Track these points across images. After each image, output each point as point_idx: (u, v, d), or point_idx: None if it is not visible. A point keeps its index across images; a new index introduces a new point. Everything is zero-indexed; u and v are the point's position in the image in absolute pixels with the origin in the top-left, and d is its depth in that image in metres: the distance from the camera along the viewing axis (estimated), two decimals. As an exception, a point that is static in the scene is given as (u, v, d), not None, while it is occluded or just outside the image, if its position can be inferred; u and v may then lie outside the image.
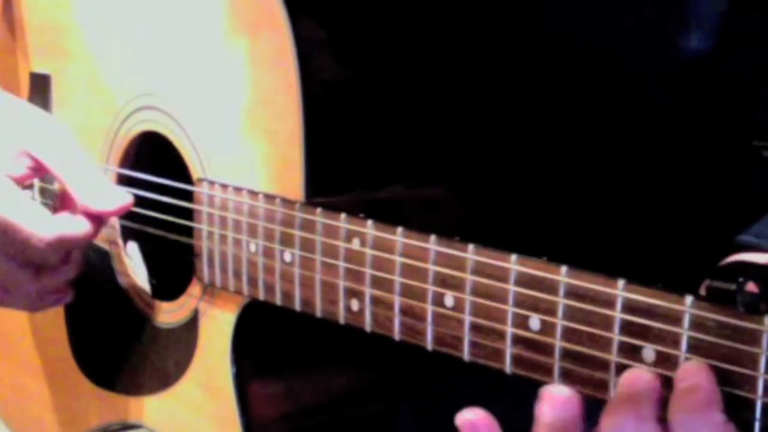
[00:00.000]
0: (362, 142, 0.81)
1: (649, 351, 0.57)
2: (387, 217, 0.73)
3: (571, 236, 0.81)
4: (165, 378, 0.96)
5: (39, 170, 0.94)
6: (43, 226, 0.88)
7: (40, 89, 1.06)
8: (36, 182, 1.08)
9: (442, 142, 0.82)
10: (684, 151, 0.76)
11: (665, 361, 0.56)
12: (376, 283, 0.73)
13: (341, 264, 0.75)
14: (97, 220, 0.92)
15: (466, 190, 0.82)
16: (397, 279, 0.71)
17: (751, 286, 0.46)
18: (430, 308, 0.69)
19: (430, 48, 0.82)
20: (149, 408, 0.99)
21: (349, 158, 0.80)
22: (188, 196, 0.89)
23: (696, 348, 0.55)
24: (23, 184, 0.93)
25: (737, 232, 0.70)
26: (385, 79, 0.82)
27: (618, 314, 0.58)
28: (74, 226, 0.91)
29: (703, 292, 0.50)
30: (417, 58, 0.82)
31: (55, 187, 1.05)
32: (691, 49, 0.74)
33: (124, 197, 0.91)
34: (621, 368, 0.58)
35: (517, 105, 0.80)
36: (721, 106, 0.75)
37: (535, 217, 0.82)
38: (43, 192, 1.07)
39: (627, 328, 0.58)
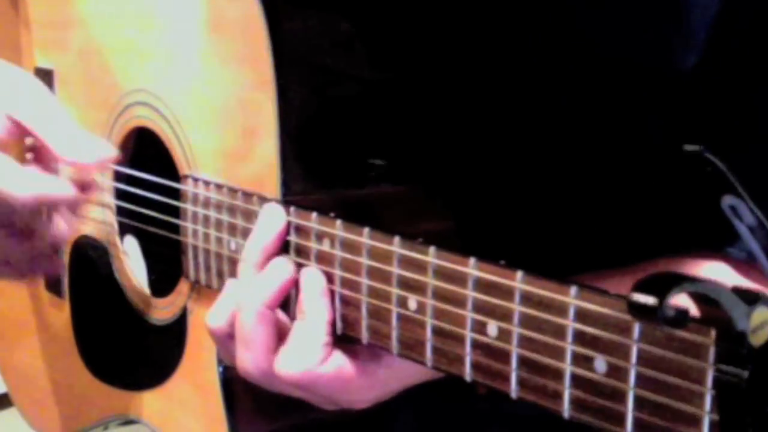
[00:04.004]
0: (339, 139, 0.79)
1: (600, 362, 0.54)
2: (365, 217, 0.71)
3: (563, 243, 0.79)
4: (160, 374, 0.96)
5: (19, 132, 0.91)
6: (20, 185, 0.86)
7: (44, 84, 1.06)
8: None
9: (421, 139, 0.80)
10: (672, 164, 0.72)
11: (617, 372, 0.53)
12: (346, 284, 0.71)
13: (313, 264, 0.73)
14: (81, 183, 0.90)
15: (447, 190, 0.80)
16: (365, 281, 0.69)
17: (675, 300, 0.43)
18: (395, 311, 0.67)
19: (409, 45, 0.80)
20: (146, 404, 0.99)
21: (325, 156, 0.78)
22: (178, 193, 0.88)
23: (646, 360, 0.52)
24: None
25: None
26: (362, 76, 0.80)
27: (570, 322, 0.56)
28: (53, 186, 0.89)
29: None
30: (396, 54, 0.80)
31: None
32: (678, 63, 0.71)
33: (105, 149, 0.89)
34: (575, 379, 0.56)
35: (494, 109, 0.78)
36: (707, 121, 0.72)
37: (520, 220, 0.79)
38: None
39: (580, 337, 0.55)
